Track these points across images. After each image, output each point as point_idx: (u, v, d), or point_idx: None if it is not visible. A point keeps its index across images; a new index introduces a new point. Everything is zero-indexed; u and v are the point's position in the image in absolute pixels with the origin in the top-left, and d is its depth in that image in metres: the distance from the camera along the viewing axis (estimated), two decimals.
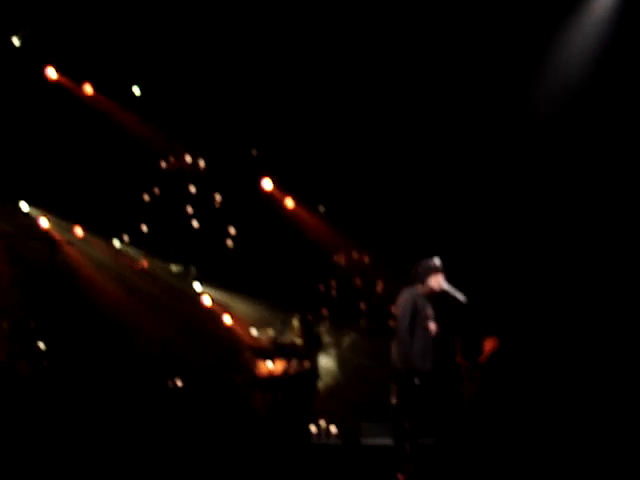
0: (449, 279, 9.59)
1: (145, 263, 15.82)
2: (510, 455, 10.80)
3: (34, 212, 15.04)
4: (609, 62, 13.05)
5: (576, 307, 13.17)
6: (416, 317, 9.34)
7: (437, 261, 9.55)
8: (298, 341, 13.49)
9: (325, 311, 15.93)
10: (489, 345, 12.46)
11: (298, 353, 13.32)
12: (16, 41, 14.25)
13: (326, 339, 15.11)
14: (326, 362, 14.82)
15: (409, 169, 14.58)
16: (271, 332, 14.01)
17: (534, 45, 13.45)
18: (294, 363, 13.27)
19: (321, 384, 13.93)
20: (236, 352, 14.76)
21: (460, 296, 9.48)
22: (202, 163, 15.93)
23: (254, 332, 14.99)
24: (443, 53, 13.80)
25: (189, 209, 15.91)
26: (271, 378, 13.37)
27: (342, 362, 15.55)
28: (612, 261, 13.03)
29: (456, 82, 13.94)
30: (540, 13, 13.26)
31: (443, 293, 9.56)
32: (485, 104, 13.89)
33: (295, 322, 13.65)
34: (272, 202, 15.86)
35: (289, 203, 15.95)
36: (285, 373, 13.36)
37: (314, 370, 13.33)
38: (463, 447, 10.85)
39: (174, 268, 16.04)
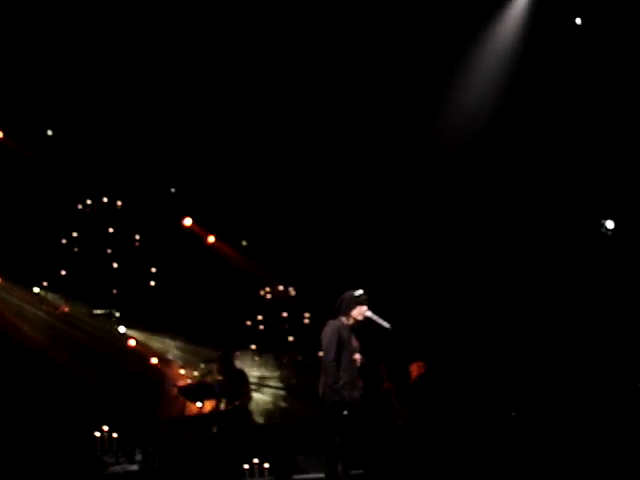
0: (372, 308, 9.62)
1: (66, 308, 15.55)
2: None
3: None
4: (514, 93, 13.38)
5: (497, 325, 13.44)
6: (342, 349, 9.35)
7: (360, 292, 9.58)
8: (222, 379, 13.32)
9: (253, 346, 15.88)
10: (415, 369, 12.57)
11: (226, 391, 13.17)
12: None
13: (254, 374, 15.04)
14: (257, 397, 14.72)
15: (327, 202, 14.68)
16: (198, 372, 13.83)
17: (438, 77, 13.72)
18: (222, 401, 13.12)
19: (253, 420, 13.80)
20: (164, 393, 14.56)
21: (384, 323, 9.53)
22: (120, 203, 15.77)
23: (182, 372, 14.82)
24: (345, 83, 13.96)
25: (108, 250, 15.70)
26: (201, 417, 13.21)
27: (273, 396, 15.49)
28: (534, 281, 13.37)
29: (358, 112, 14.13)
30: (446, 39, 13.52)
31: (367, 321, 9.58)
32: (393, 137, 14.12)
33: (216, 361, 13.47)
34: (193, 239, 15.77)
35: (210, 239, 15.88)
36: (214, 412, 13.20)
37: (244, 407, 13.19)
38: (396, 476, 10.85)
39: (97, 311, 15.79)
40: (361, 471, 9.68)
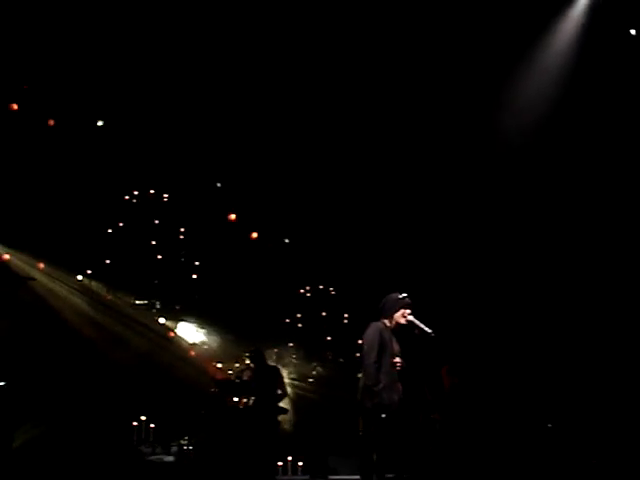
0: (415, 313, 9.60)
1: (108, 297, 15.72)
2: None
3: None
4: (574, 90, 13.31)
5: (537, 335, 13.39)
6: (382, 351, 9.34)
7: (404, 295, 9.56)
8: (256, 376, 13.34)
9: (291, 343, 15.94)
10: (447, 375, 12.52)
11: (261, 388, 13.21)
12: None
13: (291, 371, 15.07)
14: (291, 395, 14.76)
15: (375, 203, 14.67)
16: (235, 367, 13.89)
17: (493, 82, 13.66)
18: (255, 398, 13.16)
19: (287, 418, 13.84)
20: (201, 387, 14.65)
21: (426, 329, 9.50)
22: (166, 196, 15.91)
23: (219, 366, 14.91)
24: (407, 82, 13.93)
25: (153, 242, 15.84)
26: (236, 412, 13.26)
27: (308, 395, 15.53)
28: (575, 296, 13.30)
29: (421, 113, 14.10)
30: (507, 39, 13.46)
31: (409, 325, 9.56)
32: (451, 136, 14.05)
33: (248, 358, 13.48)
34: (237, 235, 15.86)
35: (254, 235, 15.96)
36: (248, 407, 13.25)
37: (278, 404, 13.22)
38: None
39: (138, 302, 15.94)
40: (397, 475, 9.64)
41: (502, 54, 13.45)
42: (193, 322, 15.88)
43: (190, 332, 16.01)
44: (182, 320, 15.91)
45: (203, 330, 15.98)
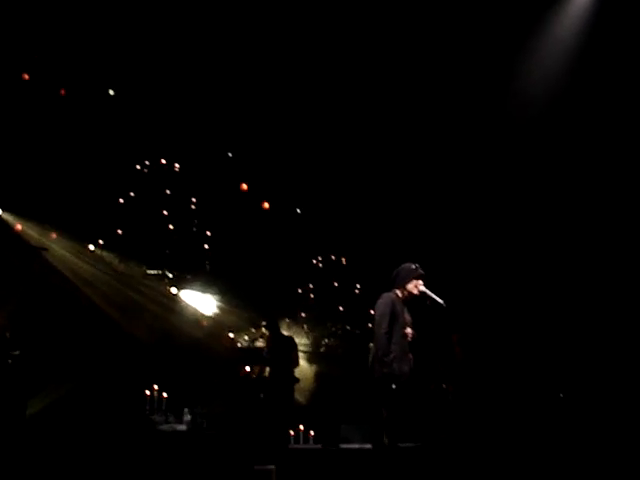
0: (427, 284, 9.58)
1: (120, 267, 15.74)
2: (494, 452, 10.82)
3: (9, 218, 14.90)
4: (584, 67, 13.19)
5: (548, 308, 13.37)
6: (394, 322, 9.33)
7: (417, 266, 9.54)
8: (269, 345, 13.35)
9: (302, 314, 15.95)
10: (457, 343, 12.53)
11: (274, 358, 13.23)
12: None
13: (303, 342, 15.09)
14: (303, 365, 14.77)
15: (387, 173, 14.61)
16: (248, 336, 13.90)
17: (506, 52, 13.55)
18: (268, 367, 13.19)
19: (299, 387, 13.85)
20: (213, 356, 14.70)
21: (438, 299, 9.48)
22: (177, 165, 15.88)
23: (231, 336, 14.95)
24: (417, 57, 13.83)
25: (165, 212, 15.84)
26: (249, 381, 13.31)
27: (320, 365, 15.56)
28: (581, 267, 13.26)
29: (432, 84, 13.99)
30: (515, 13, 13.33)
31: (421, 296, 9.54)
32: (462, 107, 13.95)
33: (264, 327, 13.48)
34: (249, 204, 15.83)
35: (265, 205, 15.93)
36: (261, 377, 13.29)
37: (291, 374, 13.24)
38: (445, 449, 10.83)
39: (150, 271, 15.96)
40: (409, 444, 9.67)
41: (515, 24, 13.32)
42: (198, 290, 15.88)
43: (202, 301, 16.03)
44: (186, 288, 15.90)
45: (216, 300, 16.00)
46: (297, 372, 13.55)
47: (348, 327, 15.93)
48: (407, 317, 9.54)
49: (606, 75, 13.21)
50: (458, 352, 12.57)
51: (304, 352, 14.96)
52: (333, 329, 15.96)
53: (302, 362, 14.44)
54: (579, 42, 13.44)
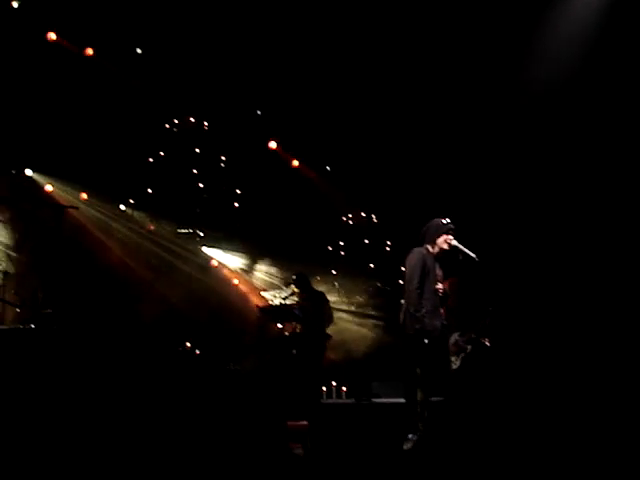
0: (458, 238, 9.50)
1: (152, 226, 15.79)
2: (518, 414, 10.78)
3: (39, 178, 14.97)
4: (597, 51, 12.96)
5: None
6: (425, 277, 9.27)
7: (447, 221, 9.45)
8: (300, 302, 13.32)
9: (334, 271, 15.94)
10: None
11: (307, 314, 13.22)
12: (15, 4, 14.04)
13: (333, 299, 15.07)
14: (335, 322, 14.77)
15: (417, 132, 14.49)
16: (281, 294, 13.87)
17: (521, 33, 13.34)
18: (300, 324, 13.18)
19: (332, 344, 13.86)
20: (245, 314, 14.76)
21: (470, 253, 9.40)
22: (206, 124, 15.84)
23: (265, 294, 14.97)
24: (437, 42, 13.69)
25: (194, 171, 15.83)
26: (281, 339, 13.34)
27: (351, 322, 15.57)
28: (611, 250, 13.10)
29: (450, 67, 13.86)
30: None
31: (453, 250, 9.46)
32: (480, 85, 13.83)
33: (294, 284, 13.43)
34: (278, 162, 15.78)
35: (295, 163, 15.87)
36: (294, 334, 13.29)
37: (323, 330, 13.24)
38: (473, 405, 10.80)
39: (181, 230, 16.01)
40: (441, 398, 9.66)
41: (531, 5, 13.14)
42: (228, 248, 15.91)
43: (233, 260, 16.08)
44: (217, 247, 15.92)
45: (246, 258, 16.03)
46: (329, 329, 13.60)
47: (379, 284, 15.90)
48: (439, 272, 9.47)
49: (616, 71, 12.96)
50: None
51: (336, 309, 14.93)
52: (364, 286, 15.92)
53: (335, 318, 14.46)
54: (588, 35, 13.17)
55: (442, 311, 9.44)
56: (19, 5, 14.10)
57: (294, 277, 13.41)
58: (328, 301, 13.61)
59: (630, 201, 13.13)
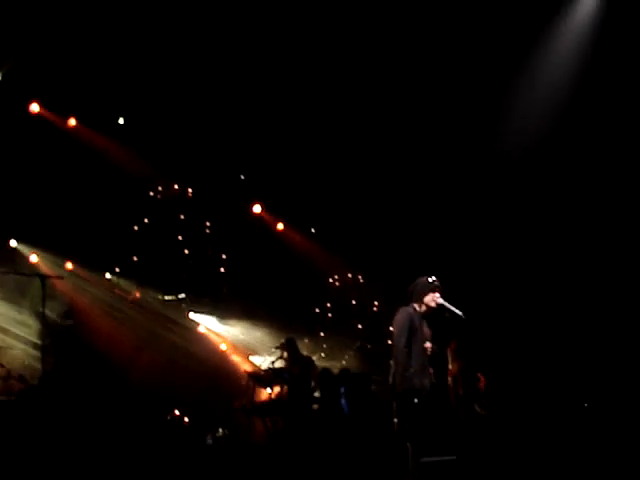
0: (444, 296, 9.51)
1: (137, 294, 15.73)
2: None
3: (23, 249, 14.93)
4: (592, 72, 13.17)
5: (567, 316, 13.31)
6: (413, 336, 9.26)
7: (433, 279, 9.47)
8: (289, 366, 13.32)
9: (321, 333, 15.90)
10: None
11: (294, 378, 13.19)
12: None
13: (322, 361, 15.03)
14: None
15: (398, 191, 14.61)
16: (268, 358, 13.85)
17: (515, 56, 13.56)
18: (289, 387, 13.14)
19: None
20: (233, 380, 14.65)
21: (457, 311, 9.40)
22: (190, 190, 15.91)
23: (253, 359, 14.92)
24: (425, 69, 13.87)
25: (179, 237, 15.85)
26: (270, 403, 13.25)
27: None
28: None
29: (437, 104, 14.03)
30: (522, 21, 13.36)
31: (440, 308, 9.47)
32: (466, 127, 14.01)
33: (281, 348, 13.43)
34: (262, 226, 15.83)
35: (280, 226, 15.92)
36: (281, 399, 13.23)
37: (309, 394, 13.21)
38: (478, 461, 10.71)
39: (167, 297, 15.95)
40: (432, 458, 9.58)
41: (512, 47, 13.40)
42: (215, 313, 15.87)
43: (220, 325, 16.01)
44: (204, 312, 15.88)
45: (233, 323, 15.98)
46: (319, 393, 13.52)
47: (368, 345, 15.85)
48: (426, 331, 9.47)
49: (613, 81, 13.18)
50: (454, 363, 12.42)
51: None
52: (352, 348, 15.87)
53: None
54: (585, 49, 13.42)
55: (430, 370, 9.41)
56: (2, 77, 14.21)
57: (283, 342, 13.44)
58: (316, 367, 13.65)
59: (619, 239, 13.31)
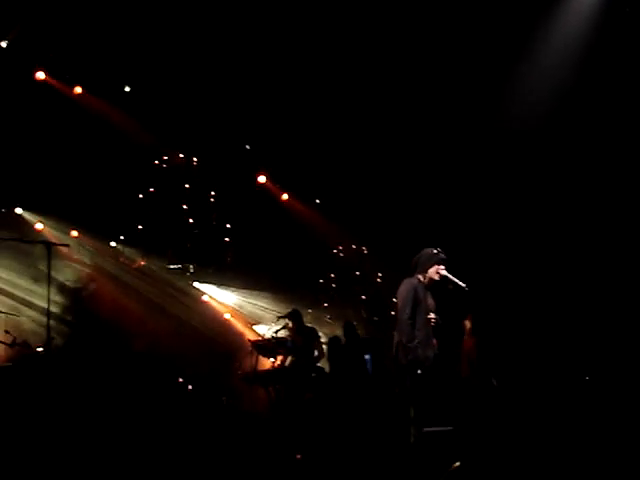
0: (449, 268, 9.53)
1: (142, 262, 15.77)
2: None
3: (29, 216, 14.96)
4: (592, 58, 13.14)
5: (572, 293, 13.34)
6: (417, 307, 9.29)
7: (438, 250, 9.48)
8: (293, 336, 13.37)
9: (325, 304, 15.95)
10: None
11: (298, 348, 13.26)
12: (3, 44, 14.12)
13: (325, 331, 15.08)
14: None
15: (404, 162, 14.60)
16: (272, 327, 13.88)
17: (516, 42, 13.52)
18: (291, 357, 13.22)
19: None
20: (236, 348, 14.72)
21: (460, 283, 9.42)
22: (195, 159, 15.90)
23: (256, 328, 14.97)
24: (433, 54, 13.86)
25: (184, 206, 15.87)
26: (273, 372, 13.32)
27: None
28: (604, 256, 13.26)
29: (447, 79, 14.00)
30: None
31: (443, 280, 9.49)
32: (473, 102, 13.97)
33: (286, 318, 13.48)
34: (267, 197, 15.84)
35: (285, 197, 15.93)
36: (284, 367, 13.30)
37: (312, 364, 13.26)
38: (472, 434, 10.78)
39: (171, 266, 15.99)
40: (434, 428, 9.64)
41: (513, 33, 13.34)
42: (219, 283, 15.91)
43: (224, 294, 16.06)
44: (207, 282, 15.92)
45: (238, 292, 16.02)
46: (322, 363, 13.59)
47: (371, 316, 15.91)
48: (430, 302, 9.49)
49: (613, 75, 13.16)
50: (470, 340, 12.53)
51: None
52: (356, 318, 15.91)
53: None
54: (584, 41, 13.36)
55: (434, 341, 9.44)
56: (7, 45, 14.17)
57: (288, 313, 13.49)
58: (319, 337, 13.70)
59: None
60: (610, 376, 12.50)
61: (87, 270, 15.20)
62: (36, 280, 14.07)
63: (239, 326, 15.76)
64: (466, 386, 12.13)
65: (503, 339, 12.75)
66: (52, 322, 11.51)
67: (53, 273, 12.92)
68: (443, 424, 9.30)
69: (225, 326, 15.80)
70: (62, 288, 14.52)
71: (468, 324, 12.63)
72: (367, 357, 13.37)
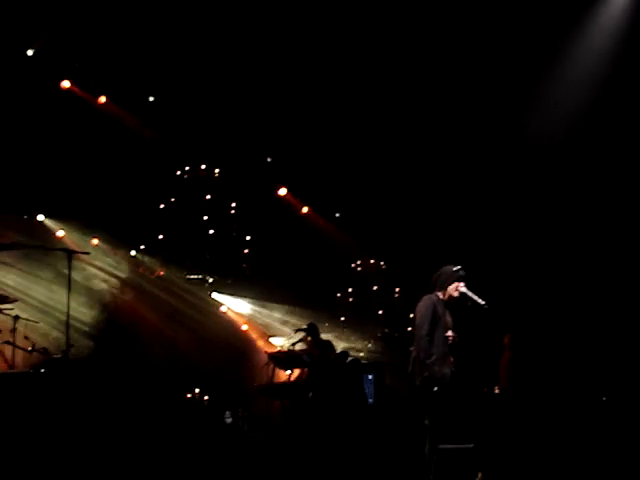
0: (469, 285, 9.53)
1: (161, 272, 15.84)
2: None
3: (51, 224, 15.06)
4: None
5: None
6: (435, 324, 9.30)
7: (458, 268, 9.49)
8: (310, 349, 13.39)
9: (342, 318, 15.96)
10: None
11: (314, 362, 13.26)
12: (30, 52, 14.26)
13: (342, 345, 15.08)
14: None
15: (427, 177, 14.62)
16: (289, 340, 13.92)
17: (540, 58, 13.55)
18: (309, 370, 13.22)
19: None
20: (253, 360, 14.75)
21: (480, 300, 9.42)
22: (217, 171, 15.98)
23: (273, 340, 14.99)
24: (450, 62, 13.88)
25: (205, 217, 15.94)
26: (289, 385, 13.34)
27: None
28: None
29: (467, 94, 14.03)
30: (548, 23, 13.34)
31: (462, 297, 9.49)
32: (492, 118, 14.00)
33: (303, 332, 13.50)
34: (287, 209, 15.89)
35: (304, 210, 15.97)
36: (300, 381, 13.31)
37: (328, 377, 13.26)
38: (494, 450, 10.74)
39: (191, 276, 16.05)
40: (450, 446, 9.62)
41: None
42: (237, 294, 15.96)
43: (242, 305, 16.10)
44: (226, 293, 15.96)
45: (255, 304, 16.06)
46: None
47: (388, 330, 15.91)
48: (449, 319, 9.50)
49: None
50: (507, 355, 12.56)
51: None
52: (372, 333, 15.93)
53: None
54: (610, 57, 13.38)
55: (451, 359, 9.44)
56: (34, 53, 14.31)
57: (306, 327, 13.50)
58: (335, 350, 13.70)
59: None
60: (629, 397, 12.44)
61: (113, 279, 15.29)
62: (46, 287, 14.19)
63: (256, 338, 15.79)
64: (500, 401, 12.14)
65: (536, 356, 12.75)
66: (73, 330, 11.59)
67: (82, 280, 13.08)
68: (459, 442, 9.29)
69: (242, 338, 15.84)
70: (88, 295, 14.63)
71: (507, 341, 12.71)
72: (370, 377, 13.34)
